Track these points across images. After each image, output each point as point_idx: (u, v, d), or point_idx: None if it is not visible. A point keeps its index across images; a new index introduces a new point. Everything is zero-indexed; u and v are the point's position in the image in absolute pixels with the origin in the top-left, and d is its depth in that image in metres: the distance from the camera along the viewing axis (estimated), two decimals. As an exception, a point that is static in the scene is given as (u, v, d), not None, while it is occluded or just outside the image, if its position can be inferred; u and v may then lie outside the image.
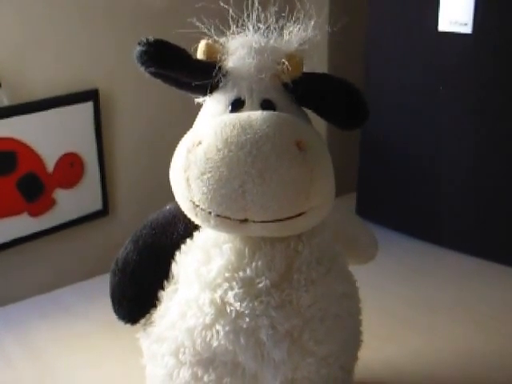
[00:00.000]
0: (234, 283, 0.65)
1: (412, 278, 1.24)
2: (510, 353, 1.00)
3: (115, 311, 0.73)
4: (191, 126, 0.71)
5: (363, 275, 0.78)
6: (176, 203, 0.67)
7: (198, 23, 0.67)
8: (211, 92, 0.69)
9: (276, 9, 0.68)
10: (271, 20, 0.68)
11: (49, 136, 1.14)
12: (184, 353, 0.67)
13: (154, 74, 0.66)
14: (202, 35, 0.68)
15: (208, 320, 0.65)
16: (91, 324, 1.10)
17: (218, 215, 0.61)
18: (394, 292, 1.19)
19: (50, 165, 1.15)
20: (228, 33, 0.68)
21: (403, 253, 1.34)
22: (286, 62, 0.66)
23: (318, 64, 0.72)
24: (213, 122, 0.62)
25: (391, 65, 1.33)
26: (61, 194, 1.18)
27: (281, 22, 0.69)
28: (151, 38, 0.64)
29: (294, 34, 0.68)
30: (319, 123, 0.73)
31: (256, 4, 0.67)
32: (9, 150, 1.09)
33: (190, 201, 0.62)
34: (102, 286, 0.78)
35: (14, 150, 1.09)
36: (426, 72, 1.27)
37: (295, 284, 0.66)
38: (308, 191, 0.61)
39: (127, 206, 1.31)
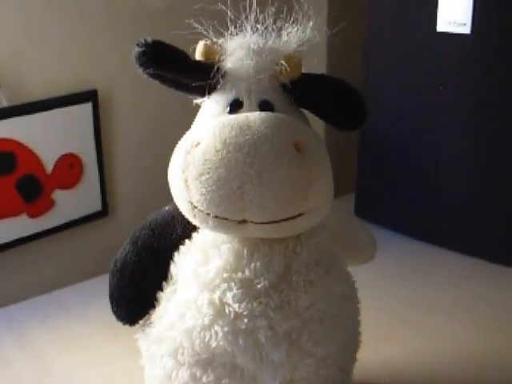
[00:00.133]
0: (233, 284, 0.65)
1: (411, 279, 1.24)
2: (510, 353, 1.00)
3: (114, 312, 0.73)
4: (190, 127, 0.71)
5: (362, 275, 0.78)
6: (175, 204, 0.67)
7: (196, 24, 0.67)
8: (210, 93, 0.69)
9: (274, 10, 0.68)
10: (269, 21, 0.68)
11: (48, 137, 1.13)
12: (183, 353, 0.67)
13: (153, 75, 0.66)
14: (201, 36, 0.68)
15: (207, 321, 0.65)
16: (90, 325, 1.10)
17: (217, 216, 0.61)
18: (393, 292, 1.19)
19: (49, 165, 1.15)
20: (226, 34, 0.68)
21: (402, 253, 1.34)
22: (285, 63, 0.67)
23: (316, 65, 0.72)
24: (211, 123, 0.62)
25: (390, 65, 1.33)
26: (60, 195, 1.18)
27: (279, 23, 0.69)
28: (149, 39, 0.64)
29: (293, 35, 0.68)
30: (317, 124, 0.73)
31: (254, 5, 0.67)
32: (8, 151, 1.09)
33: (189, 202, 0.62)
34: (101, 286, 0.78)
35: (12, 151, 1.09)
36: (425, 72, 1.27)
37: (294, 285, 0.66)
38: (306, 192, 0.61)
39: (126, 206, 1.31)
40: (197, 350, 0.66)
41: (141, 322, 0.73)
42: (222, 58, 0.68)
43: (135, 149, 1.30)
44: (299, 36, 0.68)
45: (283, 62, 0.67)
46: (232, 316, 0.65)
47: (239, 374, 0.67)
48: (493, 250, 1.27)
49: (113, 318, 0.73)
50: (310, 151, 0.61)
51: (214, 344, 0.65)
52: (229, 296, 0.65)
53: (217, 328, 0.65)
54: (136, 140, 1.30)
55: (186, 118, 0.75)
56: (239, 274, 0.65)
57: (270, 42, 0.68)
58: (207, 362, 0.67)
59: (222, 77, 0.67)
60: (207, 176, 0.60)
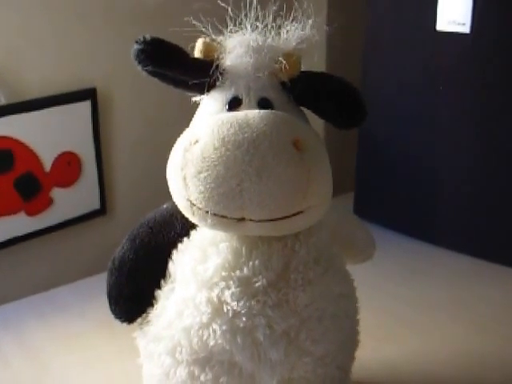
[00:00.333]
0: (231, 282, 0.65)
1: (410, 278, 1.24)
2: (509, 353, 1.00)
3: (112, 310, 0.73)
4: (188, 125, 0.70)
5: (361, 275, 0.78)
6: (173, 202, 0.67)
7: (195, 22, 0.67)
8: (208, 90, 0.69)
9: (274, 7, 0.68)
10: (269, 19, 0.68)
11: (46, 135, 1.13)
12: (181, 352, 0.67)
13: (152, 73, 0.66)
14: (200, 34, 0.68)
15: (205, 319, 0.65)
16: (88, 323, 1.10)
17: (215, 214, 0.61)
18: (392, 292, 1.19)
19: (48, 164, 1.15)
20: (226, 31, 0.68)
21: (401, 252, 1.34)
22: (284, 61, 0.66)
23: (316, 63, 0.72)
24: (210, 120, 0.62)
25: (389, 64, 1.33)
26: (58, 193, 1.18)
27: (279, 21, 0.69)
28: (148, 37, 0.64)
29: (292, 33, 0.68)
30: (317, 122, 0.73)
31: (254, 3, 0.67)
32: (6, 149, 1.08)
33: (187, 200, 0.62)
34: (99, 285, 0.78)
35: (11, 149, 1.09)
36: (424, 71, 1.26)
37: (292, 283, 0.66)
38: (305, 190, 0.61)
39: (125, 205, 1.31)
40: (195, 349, 0.66)
41: (139, 320, 0.73)
42: (221, 55, 0.68)
43: (134, 147, 1.30)
44: (299, 34, 0.68)
45: (282, 59, 0.66)
46: (230, 314, 0.64)
47: (237, 373, 0.67)
48: (493, 250, 1.27)
49: (111, 316, 0.73)
50: (309, 149, 0.61)
51: (212, 342, 0.65)
52: (227, 294, 0.64)
53: (215, 326, 0.65)
54: (135, 138, 1.30)
55: (184, 117, 0.75)
56: (237, 272, 0.65)
57: (269, 40, 0.68)
58: (205, 360, 0.67)
59: (220, 74, 0.67)
60: (206, 174, 0.59)
